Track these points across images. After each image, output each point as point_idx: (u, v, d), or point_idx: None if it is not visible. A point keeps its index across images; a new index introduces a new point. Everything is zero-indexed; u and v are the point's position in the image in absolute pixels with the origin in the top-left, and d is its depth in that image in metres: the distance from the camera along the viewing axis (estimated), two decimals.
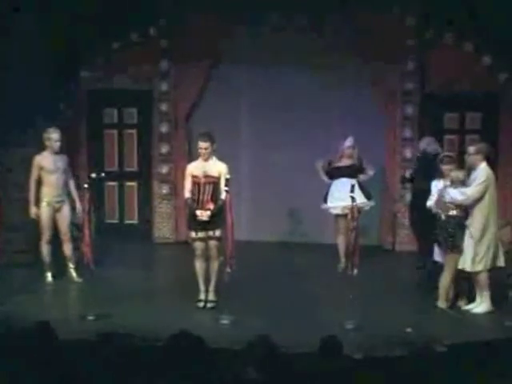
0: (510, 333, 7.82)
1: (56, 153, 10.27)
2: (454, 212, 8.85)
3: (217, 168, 9.06)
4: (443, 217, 8.89)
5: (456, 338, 7.33)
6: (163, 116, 13.06)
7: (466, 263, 8.80)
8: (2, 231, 11.19)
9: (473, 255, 8.78)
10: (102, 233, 12.48)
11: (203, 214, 8.98)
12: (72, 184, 10.42)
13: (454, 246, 8.84)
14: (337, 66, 12.31)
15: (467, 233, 8.78)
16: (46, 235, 10.30)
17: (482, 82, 12.11)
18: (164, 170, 13.09)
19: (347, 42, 12.24)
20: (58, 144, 10.28)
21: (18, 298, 9.38)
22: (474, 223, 8.77)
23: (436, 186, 9.16)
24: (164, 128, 13.06)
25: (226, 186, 8.96)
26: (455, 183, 8.86)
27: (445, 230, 8.87)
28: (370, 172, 11.17)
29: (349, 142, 11.02)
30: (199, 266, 9.22)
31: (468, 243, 8.79)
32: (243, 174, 12.62)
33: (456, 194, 8.76)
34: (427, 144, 10.80)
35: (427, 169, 10.15)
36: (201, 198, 9.06)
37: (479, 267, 8.81)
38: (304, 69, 12.36)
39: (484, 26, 11.48)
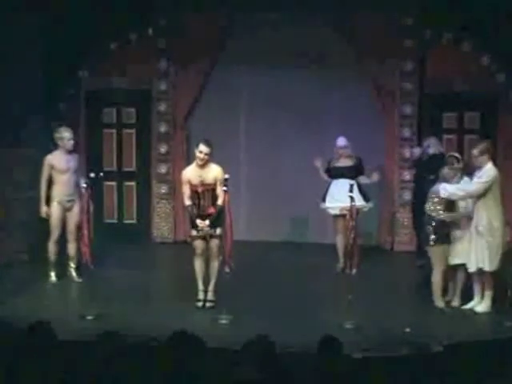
0: (510, 333, 7.82)
1: (69, 152, 10.28)
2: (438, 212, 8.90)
3: (213, 174, 9.05)
4: (428, 214, 8.94)
5: (456, 337, 7.32)
6: (162, 116, 13.05)
7: (483, 262, 8.78)
8: (2, 231, 11.21)
9: (489, 254, 8.76)
10: (100, 232, 12.48)
11: (203, 225, 9.01)
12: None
13: (438, 240, 8.88)
14: (337, 66, 12.32)
15: (476, 232, 8.79)
16: (54, 234, 10.31)
17: (481, 82, 12.11)
18: (163, 169, 13.08)
19: (346, 42, 12.25)
20: (71, 142, 10.31)
21: (17, 297, 9.39)
22: (482, 222, 8.76)
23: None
24: (163, 128, 13.05)
25: (224, 185, 8.96)
26: (447, 180, 8.91)
27: (428, 225, 8.92)
28: (375, 178, 11.12)
29: (340, 141, 10.98)
30: (199, 265, 9.21)
31: (478, 243, 8.79)
32: (243, 174, 12.64)
33: (455, 190, 8.78)
34: (428, 145, 10.82)
35: (429, 169, 10.16)
36: (201, 203, 9.10)
37: (494, 266, 8.81)
38: (304, 69, 12.36)
39: (483, 25, 11.48)
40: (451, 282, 9.22)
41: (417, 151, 11.37)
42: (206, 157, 9.02)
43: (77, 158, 10.43)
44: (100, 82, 12.98)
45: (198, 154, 9.07)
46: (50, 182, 10.25)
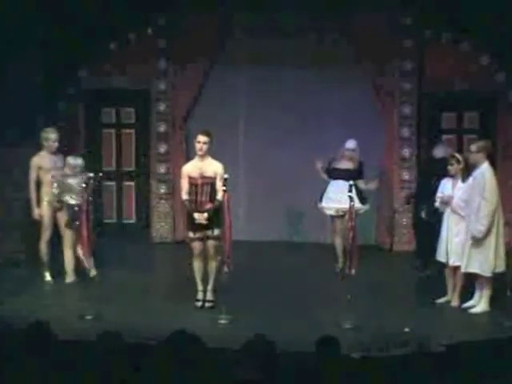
0: (510, 333, 7.81)
1: (53, 153, 10.28)
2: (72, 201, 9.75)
3: (213, 168, 9.05)
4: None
5: (456, 337, 7.32)
6: (161, 116, 13.05)
7: (486, 266, 8.77)
8: (1, 231, 11.20)
9: (492, 256, 8.75)
10: (99, 232, 12.47)
11: (201, 218, 8.99)
12: None
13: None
14: (336, 66, 12.31)
15: (469, 233, 8.79)
16: (45, 235, 10.30)
17: (480, 82, 12.12)
18: (162, 169, 13.08)
19: (346, 42, 12.26)
20: (56, 145, 10.30)
21: (16, 297, 9.38)
22: (480, 223, 8.75)
23: (444, 184, 9.23)
24: (162, 128, 13.05)
25: (223, 185, 8.93)
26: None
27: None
28: (372, 186, 11.10)
29: (350, 143, 10.94)
30: (197, 265, 9.22)
31: (480, 246, 8.76)
32: (242, 174, 12.63)
33: (478, 225, 8.70)
34: (442, 152, 10.71)
35: (433, 171, 10.16)
36: (198, 198, 9.07)
37: (499, 268, 8.81)
38: (303, 69, 12.35)
39: (482, 25, 11.49)
40: (450, 282, 9.23)
41: None
42: (205, 146, 9.02)
43: (62, 158, 10.39)
44: (99, 82, 12.98)
45: (196, 145, 9.09)
46: (39, 184, 10.25)
